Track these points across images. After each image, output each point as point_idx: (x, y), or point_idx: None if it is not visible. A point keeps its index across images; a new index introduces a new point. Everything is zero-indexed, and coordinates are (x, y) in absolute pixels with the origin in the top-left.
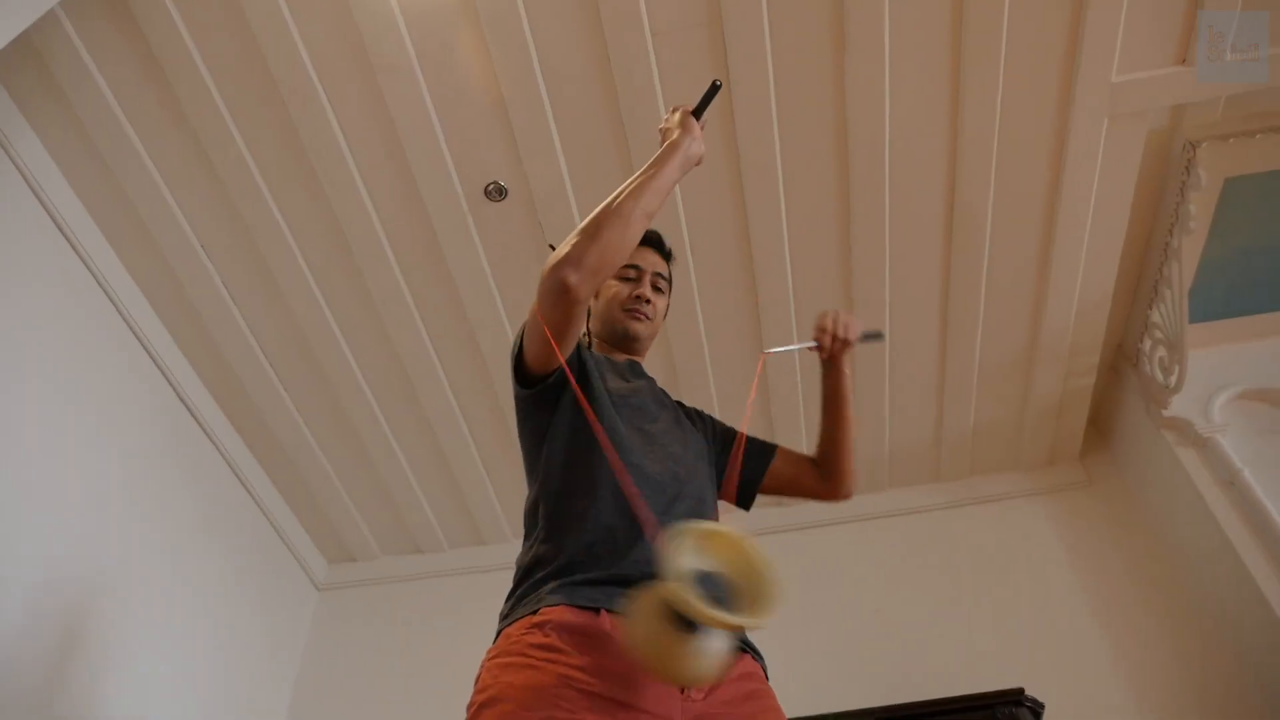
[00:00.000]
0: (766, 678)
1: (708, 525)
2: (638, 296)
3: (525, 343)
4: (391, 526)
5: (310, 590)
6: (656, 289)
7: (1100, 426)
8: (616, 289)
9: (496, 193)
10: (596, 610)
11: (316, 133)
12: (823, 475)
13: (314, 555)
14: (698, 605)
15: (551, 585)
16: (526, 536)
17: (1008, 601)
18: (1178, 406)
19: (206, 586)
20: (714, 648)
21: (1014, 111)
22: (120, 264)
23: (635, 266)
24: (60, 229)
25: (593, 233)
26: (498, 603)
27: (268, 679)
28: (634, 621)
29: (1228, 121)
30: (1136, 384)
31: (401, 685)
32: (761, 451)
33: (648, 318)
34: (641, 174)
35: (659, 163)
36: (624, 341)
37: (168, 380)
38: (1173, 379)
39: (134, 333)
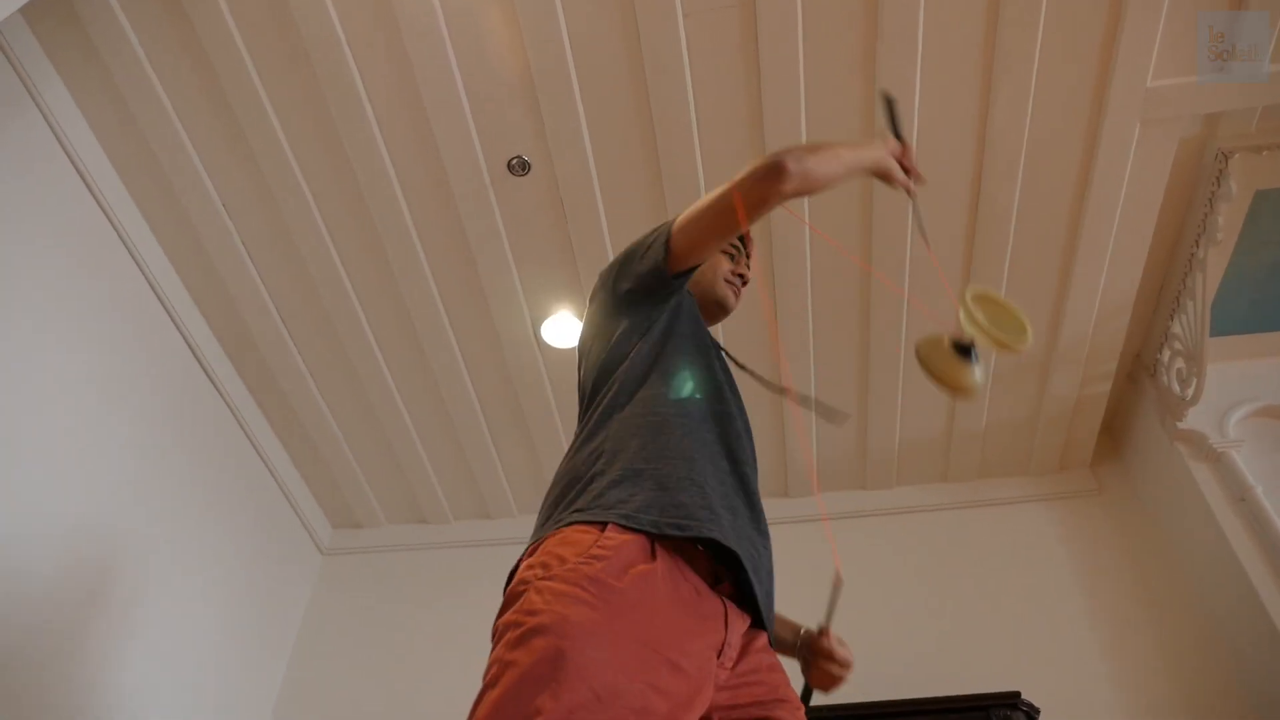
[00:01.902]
0: None
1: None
2: (740, 274)
3: (685, 224)
4: (398, 495)
5: (314, 554)
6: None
7: (1114, 435)
8: (720, 259)
9: (520, 167)
10: (662, 537)
11: (342, 96)
12: None
13: (320, 519)
14: (987, 328)
15: (626, 496)
16: (591, 434)
17: (1010, 605)
18: (1193, 419)
19: (211, 545)
20: (982, 371)
21: (1045, 110)
22: (142, 219)
23: (739, 247)
24: (84, 179)
25: (808, 154)
26: (501, 577)
27: (267, 639)
28: (927, 352)
29: (1262, 133)
30: (1153, 394)
31: (399, 654)
32: None
33: (740, 292)
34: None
35: (844, 147)
36: (715, 310)
37: (184, 339)
38: (1190, 391)
39: (153, 289)
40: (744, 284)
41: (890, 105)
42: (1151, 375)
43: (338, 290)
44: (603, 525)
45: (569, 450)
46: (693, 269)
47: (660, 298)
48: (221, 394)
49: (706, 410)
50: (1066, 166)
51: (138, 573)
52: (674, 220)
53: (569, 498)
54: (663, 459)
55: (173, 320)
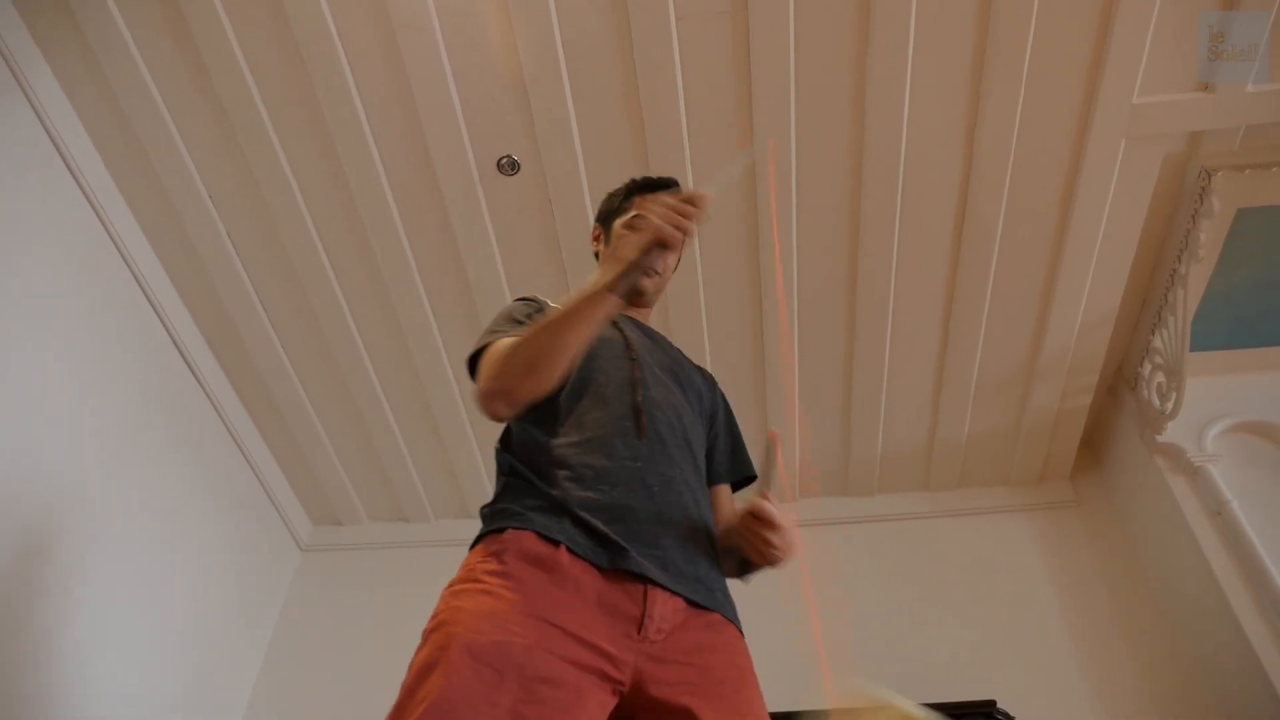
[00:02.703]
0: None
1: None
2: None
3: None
4: (379, 493)
5: (293, 550)
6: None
7: (1093, 447)
8: (626, 239)
9: (509, 166)
10: (557, 544)
11: (333, 91)
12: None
13: (300, 516)
14: None
15: (516, 510)
16: (500, 464)
17: (987, 614)
18: (1172, 433)
19: (190, 539)
20: None
21: (1032, 124)
22: (127, 207)
23: (647, 217)
24: (68, 166)
25: (524, 360)
26: None
27: (244, 633)
28: None
29: (1245, 152)
30: (1133, 407)
31: (377, 652)
32: (732, 467)
33: (657, 273)
34: (566, 312)
35: (579, 308)
36: (630, 295)
37: (168, 332)
38: (1169, 405)
39: (138, 282)
40: (659, 274)
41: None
42: (1132, 388)
43: (323, 286)
44: (500, 531)
45: None
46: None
47: None
48: (204, 387)
49: (589, 415)
50: (1052, 181)
51: (113, 564)
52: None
53: (488, 511)
54: (537, 475)
55: (157, 314)
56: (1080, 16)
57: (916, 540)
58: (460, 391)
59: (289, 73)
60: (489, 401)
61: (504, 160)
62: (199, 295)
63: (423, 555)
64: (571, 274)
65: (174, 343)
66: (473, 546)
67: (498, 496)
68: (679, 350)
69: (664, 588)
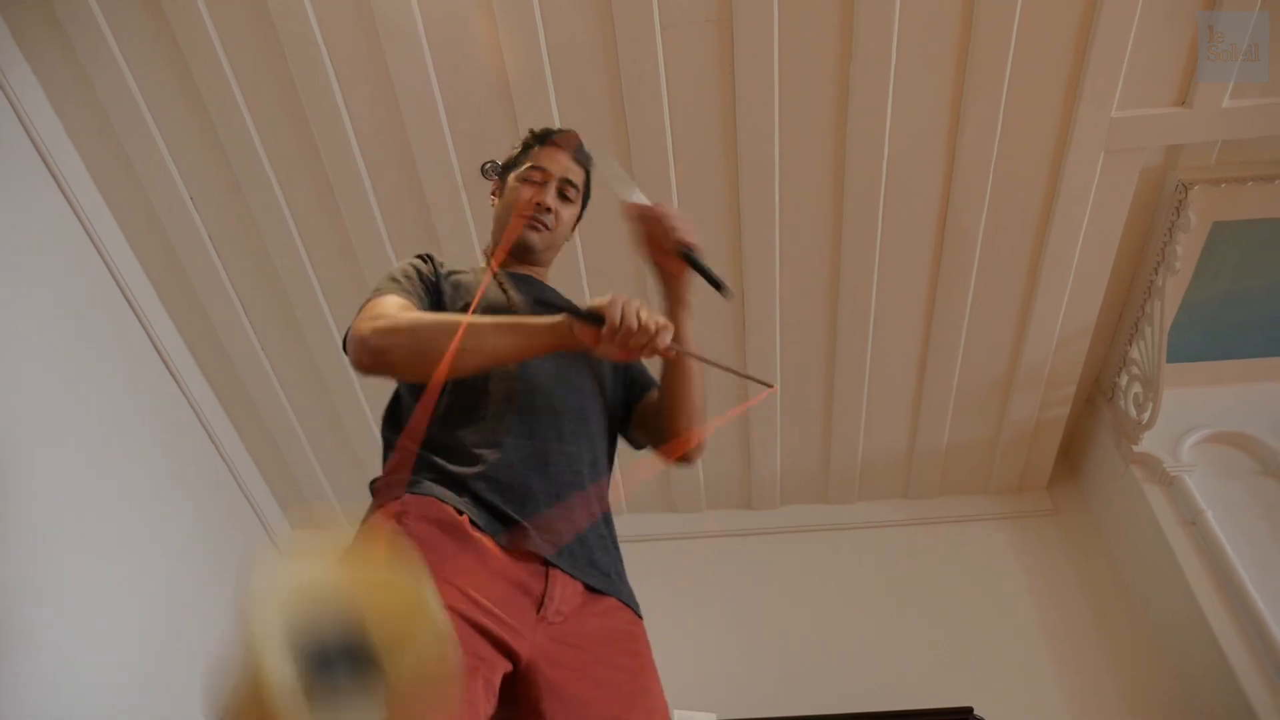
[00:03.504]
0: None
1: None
2: (538, 204)
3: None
4: (357, 494)
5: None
6: (564, 197)
7: (1071, 457)
8: (518, 192)
9: (493, 171)
10: (460, 514)
11: (316, 93)
12: (658, 429)
13: (275, 512)
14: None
15: (415, 479)
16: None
17: (964, 622)
18: (1148, 443)
19: (164, 534)
20: None
21: (1013, 137)
22: (105, 205)
23: (540, 168)
24: (44, 160)
25: (414, 338)
26: None
27: (217, 629)
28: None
29: (1221, 166)
30: (1110, 418)
31: None
32: (646, 383)
33: (546, 228)
34: (502, 324)
35: (524, 331)
36: (519, 251)
37: (144, 328)
38: (1146, 415)
39: (114, 277)
40: (548, 212)
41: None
42: (1109, 399)
43: (304, 287)
44: (397, 497)
45: None
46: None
47: None
48: (180, 385)
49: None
50: (1031, 193)
51: (85, 559)
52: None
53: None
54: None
55: (135, 313)
56: (1060, 31)
57: (896, 548)
58: None
59: (273, 76)
60: (361, 351)
61: (488, 165)
62: (177, 295)
63: None
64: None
65: (151, 341)
66: (365, 518)
67: (390, 470)
68: (572, 303)
69: (564, 570)
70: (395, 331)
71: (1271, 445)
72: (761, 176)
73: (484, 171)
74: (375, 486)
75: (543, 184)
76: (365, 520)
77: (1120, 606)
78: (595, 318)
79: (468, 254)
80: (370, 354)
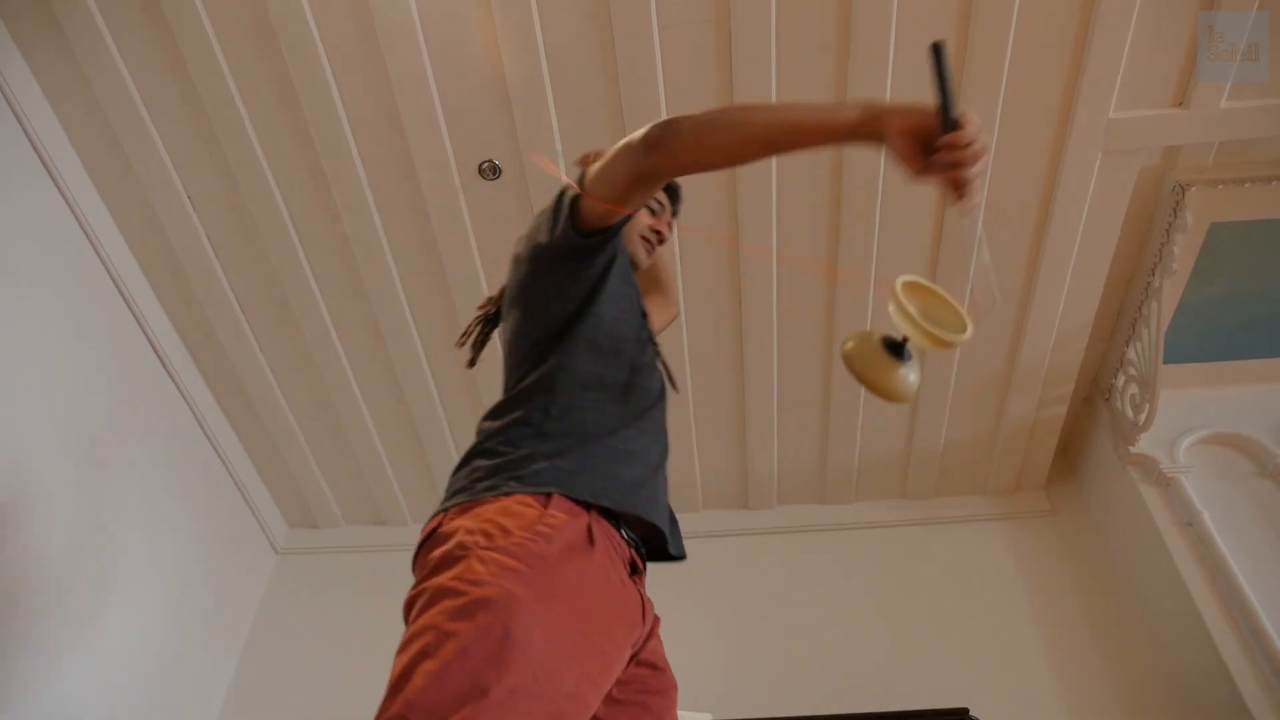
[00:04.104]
0: None
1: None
2: (657, 230)
3: (595, 177)
4: (356, 495)
5: (269, 553)
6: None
7: (1068, 457)
8: (640, 214)
9: (490, 171)
10: (601, 510)
11: (314, 92)
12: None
13: (276, 518)
14: (920, 322)
15: (569, 467)
16: (518, 399)
17: (961, 622)
18: (1145, 444)
19: (163, 541)
20: (916, 373)
21: (1010, 137)
22: (103, 205)
23: (661, 203)
24: (42, 160)
25: (713, 129)
26: None
27: (218, 638)
28: (856, 351)
29: (1218, 167)
30: (1107, 418)
31: (351, 657)
32: None
33: (655, 251)
34: (797, 109)
35: (818, 110)
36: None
37: (143, 331)
38: (1143, 416)
39: (113, 280)
40: (661, 242)
41: (938, 53)
42: (1106, 400)
43: (302, 288)
44: (546, 496)
45: (499, 407)
46: (611, 228)
47: (581, 258)
48: (180, 388)
49: (631, 370)
50: (1029, 193)
51: (85, 566)
52: (586, 172)
53: (502, 461)
54: (595, 425)
55: (134, 315)
56: (1058, 32)
57: (892, 548)
58: (438, 393)
59: (271, 76)
60: (659, 145)
61: (485, 165)
62: (176, 297)
63: (400, 559)
64: None
65: (150, 344)
66: (507, 478)
67: (543, 413)
68: None
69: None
70: (697, 129)
71: (1268, 446)
72: (758, 175)
73: (482, 171)
74: (511, 466)
75: (660, 214)
76: (497, 495)
77: (1117, 607)
78: (952, 122)
79: (466, 254)
80: (666, 156)
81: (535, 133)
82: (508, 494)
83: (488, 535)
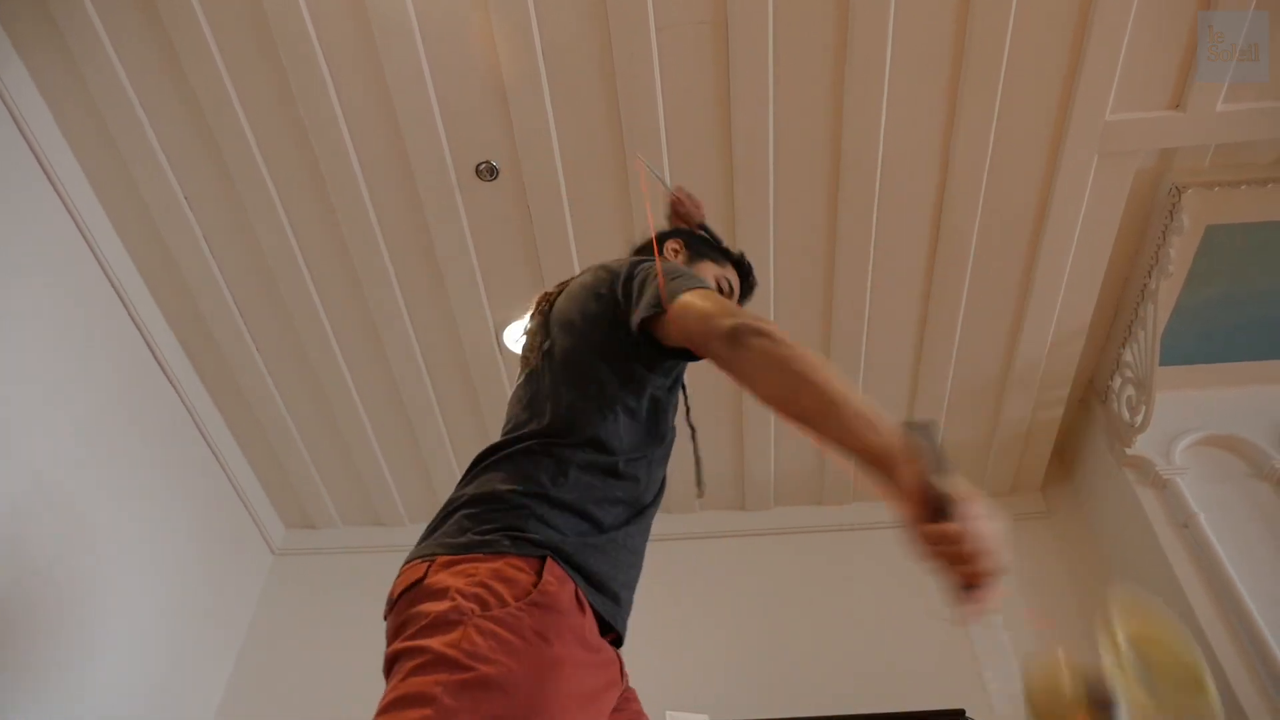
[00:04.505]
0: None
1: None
2: None
3: (673, 313)
4: (354, 496)
5: (266, 553)
6: None
7: (1064, 459)
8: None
9: (488, 172)
10: (586, 605)
11: (311, 93)
12: None
13: (273, 519)
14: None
15: (566, 531)
16: (538, 453)
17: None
18: (1141, 446)
19: (160, 541)
20: None
21: (1007, 139)
22: (100, 207)
23: (733, 286)
24: (40, 162)
25: (781, 371)
26: None
27: (215, 638)
28: (1043, 705)
29: (1214, 169)
30: (1103, 420)
31: (348, 658)
32: None
33: None
34: (853, 412)
35: (865, 422)
36: None
37: (140, 331)
38: (1139, 418)
39: (110, 281)
40: None
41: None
42: (1103, 401)
43: (299, 288)
44: (540, 560)
45: (507, 457)
46: (683, 353)
47: (652, 363)
48: (177, 389)
49: (649, 465)
50: (1026, 195)
51: (83, 565)
52: (677, 295)
53: (500, 515)
54: (603, 515)
55: (131, 317)
56: (1054, 34)
57: (889, 549)
58: (435, 395)
59: (268, 77)
60: (737, 347)
61: (483, 165)
62: (173, 298)
63: (397, 559)
64: (548, 276)
65: (147, 345)
66: (501, 535)
67: (552, 478)
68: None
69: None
70: (766, 350)
71: (1264, 448)
72: (756, 177)
73: (479, 172)
74: (511, 516)
75: (729, 297)
76: (491, 556)
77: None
78: (947, 501)
79: (464, 253)
80: (730, 351)
81: (532, 133)
82: (500, 553)
83: (482, 602)
